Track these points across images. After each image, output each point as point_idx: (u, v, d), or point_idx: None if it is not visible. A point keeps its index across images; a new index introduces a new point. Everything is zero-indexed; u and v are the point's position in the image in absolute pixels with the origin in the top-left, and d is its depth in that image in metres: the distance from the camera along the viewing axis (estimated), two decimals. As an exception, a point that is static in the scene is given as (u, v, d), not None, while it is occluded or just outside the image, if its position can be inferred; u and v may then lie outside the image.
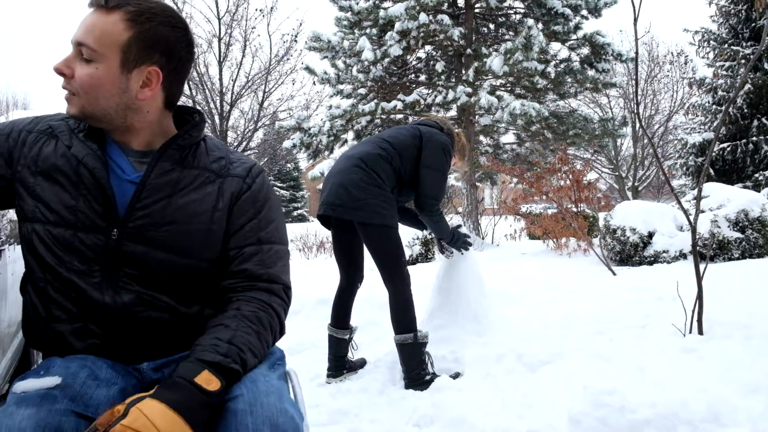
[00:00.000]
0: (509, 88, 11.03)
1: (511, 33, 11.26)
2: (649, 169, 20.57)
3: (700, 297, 2.82)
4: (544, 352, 2.75)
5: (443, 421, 2.17)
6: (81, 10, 1.10)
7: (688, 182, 14.92)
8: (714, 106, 14.16)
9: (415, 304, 2.67)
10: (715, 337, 2.76)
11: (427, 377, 2.59)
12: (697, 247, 3.02)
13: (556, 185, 7.16)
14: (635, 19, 2.88)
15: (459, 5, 11.08)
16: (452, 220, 10.71)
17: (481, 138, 11.91)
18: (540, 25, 9.85)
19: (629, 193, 19.78)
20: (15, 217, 1.93)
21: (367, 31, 10.44)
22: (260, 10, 13.96)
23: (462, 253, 3.03)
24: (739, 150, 13.10)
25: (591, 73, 10.60)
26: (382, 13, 9.78)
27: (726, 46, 13.69)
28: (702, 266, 2.90)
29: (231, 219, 1.14)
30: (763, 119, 12.98)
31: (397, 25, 9.56)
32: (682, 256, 5.90)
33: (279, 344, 1.24)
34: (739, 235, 5.75)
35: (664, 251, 5.97)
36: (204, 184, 1.13)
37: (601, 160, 20.68)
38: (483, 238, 10.33)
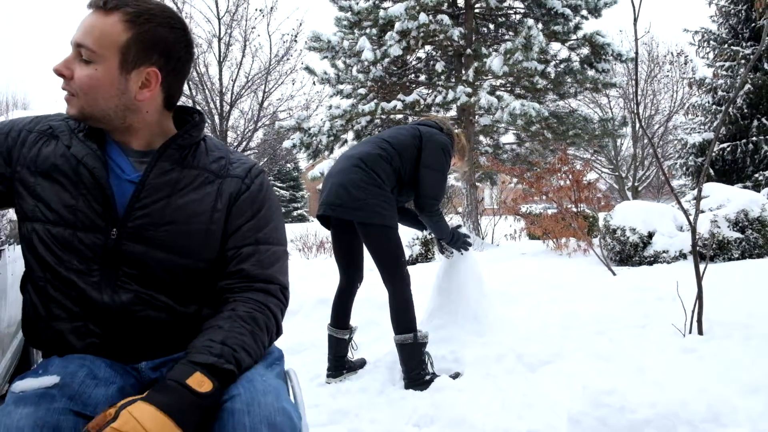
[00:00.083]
0: (509, 88, 11.03)
1: (511, 33, 11.27)
2: (649, 169, 20.58)
3: (700, 297, 2.82)
4: (544, 352, 2.75)
5: (443, 421, 2.17)
6: (80, 10, 1.10)
7: (688, 182, 14.92)
8: (714, 106, 14.16)
9: (415, 304, 2.67)
10: (715, 337, 2.76)
11: (427, 377, 2.59)
12: (697, 247, 3.02)
13: (556, 185, 7.16)
14: (635, 19, 2.88)
15: (459, 5, 11.08)
16: (452, 220, 10.72)
17: (481, 138, 11.91)
18: (540, 25, 9.85)
19: (629, 193, 19.78)
20: (15, 217, 1.93)
21: (367, 31, 10.44)
22: (260, 10, 13.96)
23: (462, 253, 3.03)
24: (738, 150, 13.10)
25: (591, 73, 10.60)
26: (382, 13, 9.78)
27: (726, 46, 13.70)
28: (702, 266, 2.90)
29: (229, 219, 1.14)
30: (763, 119, 12.98)
31: (397, 25, 9.56)
32: (682, 256, 5.90)
33: (278, 344, 1.24)
34: (739, 235, 5.75)
35: (664, 251, 5.97)
36: (203, 184, 1.14)
37: (601, 160, 20.69)
38: (483, 238, 10.33)
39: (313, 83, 11.90)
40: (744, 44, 13.57)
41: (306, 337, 3.60)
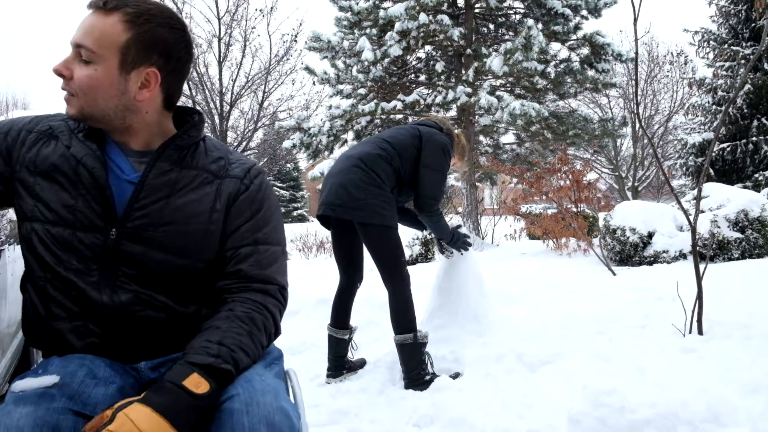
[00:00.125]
0: (509, 89, 11.03)
1: (511, 33, 11.27)
2: (649, 169, 20.58)
3: (699, 297, 2.82)
4: (544, 352, 2.75)
5: (443, 421, 2.17)
6: (80, 10, 1.10)
7: (688, 182, 14.92)
8: (714, 107, 14.16)
9: (415, 304, 2.67)
10: (715, 337, 2.76)
11: (427, 377, 2.59)
12: (697, 247, 3.02)
13: (556, 185, 7.16)
14: (635, 19, 2.88)
15: (459, 5, 11.09)
16: (452, 220, 10.72)
17: (481, 138, 11.91)
18: (540, 25, 9.85)
19: (629, 193, 19.78)
20: (15, 217, 1.93)
21: (367, 31, 10.44)
22: (260, 10, 13.98)
23: (462, 254, 3.03)
24: (738, 150, 13.10)
25: (591, 73, 10.61)
26: (382, 13, 9.78)
27: (726, 46, 13.69)
28: (702, 266, 2.90)
29: (228, 220, 1.14)
30: (763, 119, 12.98)
31: (397, 25, 9.56)
32: (682, 256, 5.90)
33: (278, 344, 1.24)
34: (738, 235, 5.75)
35: (663, 251, 5.97)
36: (202, 184, 1.14)
37: (600, 161, 20.69)
38: (483, 238, 10.33)
39: (313, 83, 11.92)
40: (744, 44, 13.57)
41: (306, 337, 3.60)
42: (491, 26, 11.77)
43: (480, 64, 9.82)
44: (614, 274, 5.43)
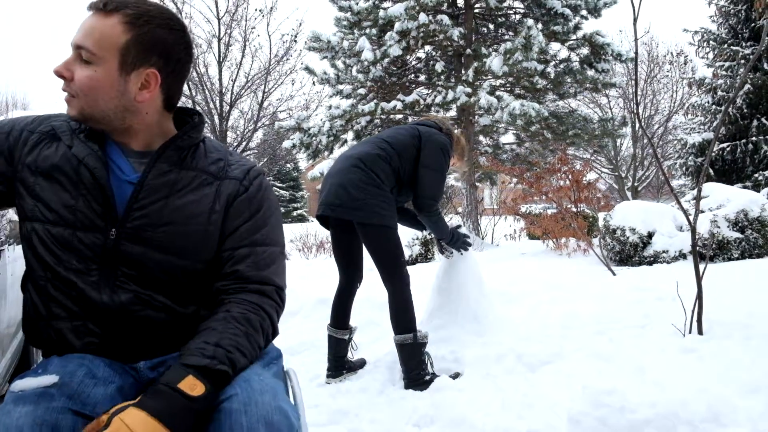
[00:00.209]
0: (509, 89, 11.04)
1: (510, 33, 11.28)
2: (649, 169, 20.59)
3: (699, 297, 2.82)
4: (544, 352, 2.75)
5: (443, 421, 2.17)
6: (80, 10, 1.10)
7: (688, 182, 14.93)
8: (713, 106, 14.17)
9: (415, 304, 2.67)
10: (715, 337, 2.76)
11: (427, 377, 2.59)
12: (697, 247, 3.02)
13: (556, 185, 7.16)
14: (635, 19, 2.88)
15: (459, 5, 11.09)
16: (452, 220, 10.72)
17: (481, 138, 11.91)
18: (540, 25, 9.85)
19: (629, 193, 19.78)
20: (15, 217, 1.94)
21: (367, 31, 10.44)
22: (260, 11, 13.99)
23: (461, 254, 3.03)
24: (738, 150, 13.11)
25: (590, 73, 10.61)
26: (381, 13, 9.78)
27: (725, 46, 13.70)
28: (702, 266, 2.90)
29: (227, 221, 1.15)
30: (763, 119, 12.99)
31: (397, 25, 9.56)
32: (682, 256, 5.90)
33: (278, 344, 1.24)
34: (738, 235, 5.75)
35: (663, 251, 5.97)
36: (202, 185, 1.14)
37: (600, 161, 20.69)
38: (483, 238, 10.33)
39: (313, 83, 11.93)
40: (744, 44, 13.58)
41: (306, 338, 3.60)
42: (491, 26, 11.78)
43: (480, 64, 9.82)
44: (614, 274, 5.43)
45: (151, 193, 1.09)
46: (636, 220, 6.21)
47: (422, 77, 11.70)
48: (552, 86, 10.71)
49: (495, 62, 9.49)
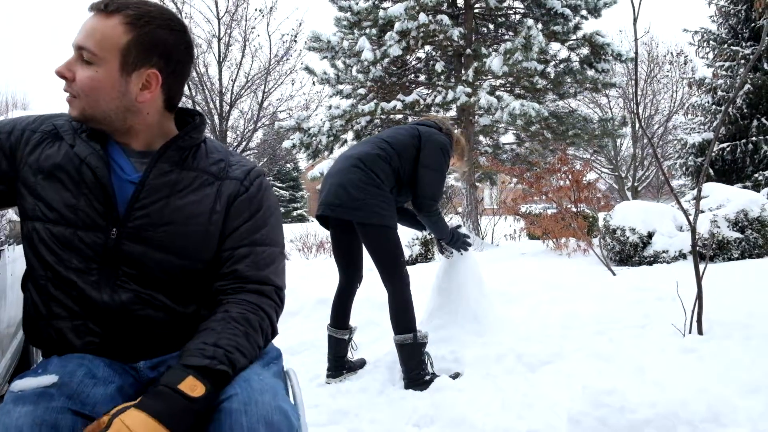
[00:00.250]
0: (509, 89, 11.04)
1: (510, 33, 11.28)
2: (649, 169, 20.59)
3: (699, 297, 2.82)
4: (544, 352, 2.75)
5: (443, 421, 2.17)
6: (80, 10, 1.10)
7: (688, 182, 14.93)
8: (713, 106, 14.17)
9: (415, 304, 2.67)
10: (715, 337, 2.75)
11: (427, 377, 2.59)
12: (697, 247, 3.02)
13: (556, 185, 7.16)
14: (635, 19, 2.88)
15: (458, 5, 11.09)
16: (451, 220, 10.72)
17: (481, 138, 11.92)
18: (539, 25, 9.86)
19: (629, 193, 19.78)
20: (15, 217, 1.94)
21: (367, 31, 10.44)
22: (260, 11, 13.98)
23: (461, 254, 3.03)
24: (738, 150, 13.11)
25: (590, 73, 10.61)
26: (381, 13, 9.78)
27: (725, 46, 13.70)
28: (701, 266, 2.90)
29: (227, 221, 1.15)
30: (763, 119, 12.99)
31: (397, 25, 9.56)
32: (682, 256, 5.90)
33: (278, 344, 1.24)
34: (738, 235, 5.75)
35: (663, 251, 5.97)
36: (202, 186, 1.14)
37: (600, 160, 20.69)
38: (483, 238, 10.33)
39: (313, 83, 11.93)
40: (744, 44, 13.58)
41: (306, 338, 3.60)
42: (491, 26, 11.78)
43: (480, 64, 9.82)
44: (614, 274, 5.43)
45: (152, 193, 1.10)
46: (636, 220, 6.21)
47: (422, 77, 11.70)
48: (552, 86, 10.71)
49: (495, 62, 9.49)
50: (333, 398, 2.55)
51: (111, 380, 1.04)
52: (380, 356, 2.99)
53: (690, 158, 14.16)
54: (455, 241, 2.96)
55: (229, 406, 0.94)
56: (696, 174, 13.97)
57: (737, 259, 5.72)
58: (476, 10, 11.06)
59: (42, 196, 1.08)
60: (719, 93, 13.80)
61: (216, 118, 13.77)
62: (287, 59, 14.25)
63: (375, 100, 10.15)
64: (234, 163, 1.20)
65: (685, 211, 3.08)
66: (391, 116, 10.70)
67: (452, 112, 10.64)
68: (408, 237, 7.82)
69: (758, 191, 8.55)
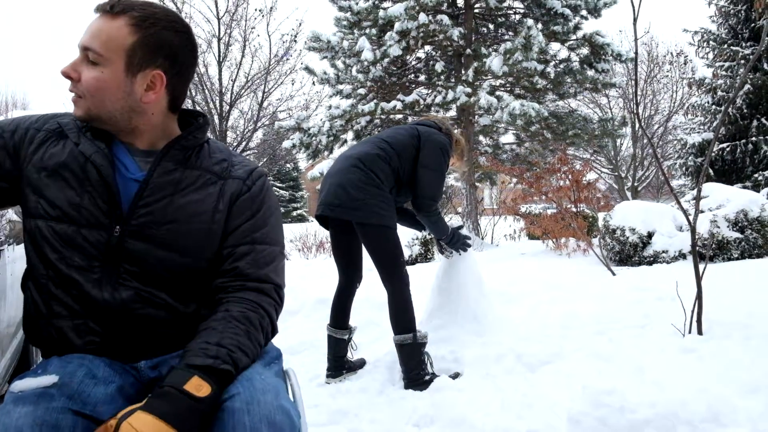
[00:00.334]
0: (509, 89, 11.04)
1: (510, 33, 11.28)
2: (649, 169, 20.59)
3: (699, 297, 2.82)
4: (544, 352, 2.75)
5: (443, 421, 2.17)
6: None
7: (688, 182, 14.93)
8: (713, 107, 14.17)
9: (415, 304, 2.67)
10: (715, 337, 2.76)
11: (427, 377, 2.59)
12: (697, 248, 3.02)
13: (556, 185, 7.16)
14: (635, 20, 2.88)
15: (458, 5, 11.09)
16: (451, 220, 10.72)
17: (481, 138, 11.92)
18: (539, 26, 9.86)
19: (629, 193, 19.78)
20: (14, 218, 1.94)
21: (367, 31, 10.44)
22: (260, 11, 13.97)
23: (460, 254, 3.03)
24: (738, 150, 13.11)
25: (590, 73, 10.61)
26: (381, 13, 9.78)
27: (725, 46, 13.70)
28: (701, 266, 2.90)
29: (229, 219, 1.16)
30: (763, 119, 12.99)
31: (397, 25, 9.56)
32: (682, 256, 5.90)
33: (277, 344, 1.24)
34: (738, 235, 5.75)
35: (663, 251, 5.97)
36: (206, 185, 1.15)
37: (600, 161, 20.69)
38: (483, 238, 10.33)
39: (313, 83, 11.92)
40: (743, 44, 13.58)
41: (305, 337, 3.60)
42: (491, 26, 11.78)
43: (480, 64, 9.82)
44: (614, 274, 5.43)
45: (156, 191, 1.11)
46: (636, 220, 6.21)
47: (422, 77, 11.70)
48: (552, 86, 10.71)
49: (495, 62, 9.49)
50: (333, 398, 2.55)
51: (111, 380, 1.04)
52: (380, 356, 2.99)
53: (690, 158, 14.17)
54: (455, 242, 2.96)
55: (232, 405, 0.94)
56: (696, 174, 13.97)
57: (737, 259, 5.73)
58: (476, 10, 11.06)
59: (45, 194, 1.09)
60: (719, 93, 13.80)
61: (216, 118, 13.76)
62: (287, 59, 14.24)
63: (375, 100, 10.16)
64: (236, 163, 1.22)
65: (684, 211, 3.09)
66: (391, 116, 10.70)
67: (452, 112, 10.64)
68: (408, 237, 7.82)
69: (758, 191, 8.55)
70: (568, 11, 10.25)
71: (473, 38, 10.72)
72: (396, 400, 2.46)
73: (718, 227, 5.75)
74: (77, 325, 1.08)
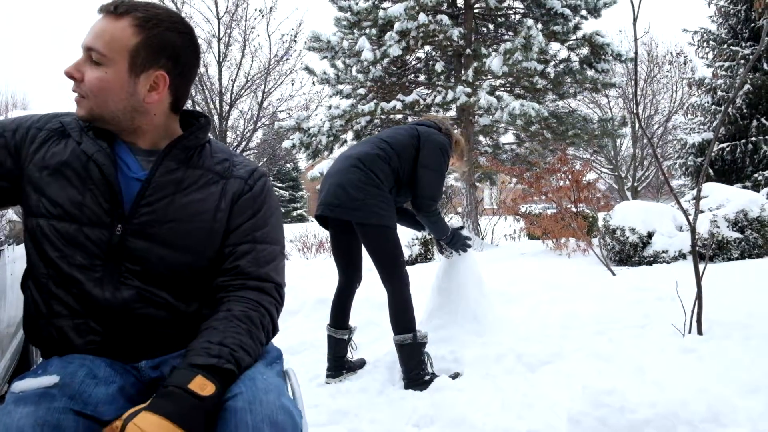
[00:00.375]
0: (509, 89, 11.04)
1: (510, 33, 11.28)
2: (649, 169, 20.59)
3: (699, 297, 2.82)
4: (544, 352, 2.75)
5: (443, 421, 2.17)
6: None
7: (688, 182, 14.93)
8: (713, 107, 14.17)
9: (415, 304, 2.67)
10: (715, 337, 2.76)
11: (427, 377, 2.59)
12: (697, 248, 3.02)
13: (556, 185, 7.16)
14: (635, 20, 2.88)
15: (458, 5, 11.09)
16: (451, 220, 10.71)
17: (481, 138, 11.92)
18: (539, 26, 9.86)
19: (629, 193, 19.78)
20: (14, 218, 1.94)
21: (367, 31, 10.44)
22: (260, 11, 13.97)
23: (460, 254, 3.03)
24: (738, 150, 13.11)
25: (590, 73, 10.61)
26: (381, 13, 9.78)
27: (725, 46, 13.70)
28: (701, 266, 2.90)
29: (230, 218, 1.17)
30: (763, 119, 12.99)
31: (397, 26, 9.56)
32: (682, 256, 5.90)
33: (278, 344, 1.25)
34: (738, 235, 5.75)
35: (663, 251, 5.97)
36: (207, 184, 1.16)
37: (600, 161, 20.69)
38: (482, 239, 10.33)
39: (313, 83, 11.92)
40: (743, 44, 13.58)
41: (305, 337, 3.60)
42: (491, 26, 11.78)
43: (479, 64, 9.82)
44: (614, 274, 5.44)
45: (159, 190, 1.11)
46: (636, 220, 6.21)
47: (422, 77, 11.70)
48: (552, 86, 10.71)
49: (495, 62, 9.49)
50: (333, 398, 2.55)
51: (112, 380, 1.04)
52: (380, 356, 2.99)
53: (690, 158, 14.17)
54: (455, 242, 2.96)
55: (234, 404, 0.94)
56: (696, 174, 13.97)
57: (737, 259, 5.73)
58: (476, 10, 11.06)
59: (47, 193, 1.09)
60: (719, 93, 13.80)
61: (216, 118, 13.76)
62: (287, 59, 14.24)
63: (375, 100, 10.16)
64: (238, 163, 1.23)
65: (684, 211, 3.09)
66: (391, 116, 10.70)
67: (452, 112, 10.64)
68: (408, 237, 7.82)
69: (758, 191, 8.55)
70: (568, 11, 10.25)
71: (473, 38, 10.72)
72: (396, 400, 2.46)
73: (718, 227, 5.75)
74: (77, 324, 1.09)
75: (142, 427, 0.86)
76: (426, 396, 2.42)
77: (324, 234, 10.83)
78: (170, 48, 1.10)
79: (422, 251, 8.10)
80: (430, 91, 10.73)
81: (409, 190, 2.77)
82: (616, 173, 20.70)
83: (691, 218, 3.00)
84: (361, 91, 10.99)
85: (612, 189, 21.42)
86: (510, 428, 2.08)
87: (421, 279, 3.90)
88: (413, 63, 11.71)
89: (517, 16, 11.30)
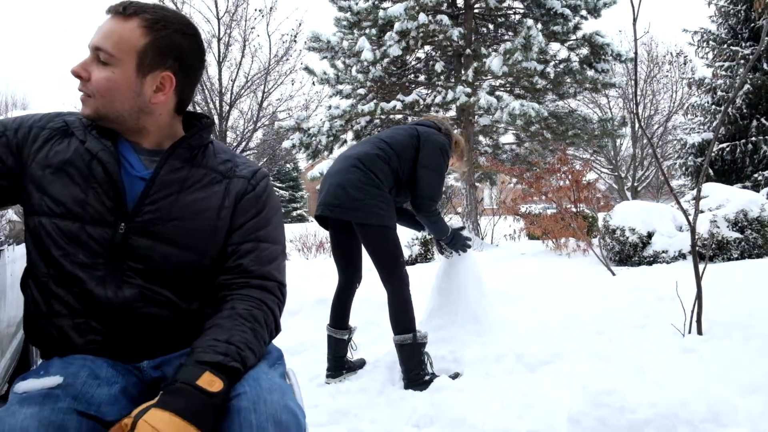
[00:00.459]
0: (508, 89, 11.04)
1: (510, 33, 11.28)
2: (649, 169, 20.59)
3: (699, 297, 2.83)
4: (544, 352, 2.75)
5: (443, 421, 2.17)
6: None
7: (688, 182, 14.93)
8: (713, 107, 14.17)
9: (415, 305, 2.67)
10: (715, 337, 2.76)
11: (427, 377, 2.59)
12: (697, 248, 3.02)
13: (556, 185, 7.16)
14: (634, 20, 2.88)
15: (458, 5, 11.09)
16: (452, 221, 10.71)
17: (481, 138, 11.92)
18: (539, 26, 9.86)
19: (628, 194, 19.78)
20: (14, 218, 1.94)
21: (367, 31, 10.44)
22: (259, 11, 13.97)
23: (460, 254, 3.03)
24: (738, 150, 13.11)
25: (590, 73, 10.61)
26: (381, 13, 9.78)
27: (725, 46, 13.70)
28: (701, 266, 2.90)
29: (234, 217, 1.18)
30: (762, 119, 12.99)
31: (397, 26, 9.56)
32: (682, 256, 5.90)
33: (279, 344, 1.25)
34: (738, 235, 5.75)
35: (663, 251, 5.97)
36: (211, 183, 1.17)
37: (600, 161, 20.69)
38: (482, 239, 10.33)
39: (313, 83, 11.92)
40: (743, 44, 13.59)
41: (305, 337, 3.60)
42: (491, 26, 11.78)
43: (479, 64, 9.82)
44: (614, 274, 5.44)
45: (163, 189, 1.12)
46: (636, 220, 6.21)
47: (422, 77, 11.70)
48: (552, 86, 10.71)
49: (495, 62, 9.49)
50: (333, 398, 2.55)
51: (114, 381, 1.04)
52: (380, 356, 2.99)
53: (689, 158, 14.17)
54: (455, 243, 2.96)
55: (239, 404, 0.95)
56: (696, 174, 13.97)
57: (737, 259, 5.73)
58: (476, 10, 11.06)
59: (49, 191, 1.10)
60: (719, 93, 13.80)
61: (216, 118, 13.76)
62: (287, 59, 14.25)
63: (375, 100, 10.16)
64: (240, 163, 1.24)
65: (684, 211, 3.09)
66: (391, 116, 10.70)
67: (452, 112, 10.64)
68: (408, 237, 7.82)
69: (758, 191, 8.56)
70: (567, 11, 10.25)
71: (473, 38, 10.72)
72: (396, 400, 2.46)
73: (718, 227, 5.75)
74: (78, 324, 1.09)
75: (152, 423, 0.86)
76: (426, 396, 2.42)
77: (324, 234, 10.83)
78: (177, 50, 1.11)
79: (422, 251, 8.10)
80: (430, 91, 10.73)
81: (409, 190, 2.77)
82: (616, 173, 20.71)
83: (691, 218, 3.00)
84: (361, 91, 10.99)
85: (612, 189, 21.42)
86: (510, 428, 2.08)
87: (421, 279, 3.90)
88: (413, 63, 11.71)
89: (517, 16, 11.30)
